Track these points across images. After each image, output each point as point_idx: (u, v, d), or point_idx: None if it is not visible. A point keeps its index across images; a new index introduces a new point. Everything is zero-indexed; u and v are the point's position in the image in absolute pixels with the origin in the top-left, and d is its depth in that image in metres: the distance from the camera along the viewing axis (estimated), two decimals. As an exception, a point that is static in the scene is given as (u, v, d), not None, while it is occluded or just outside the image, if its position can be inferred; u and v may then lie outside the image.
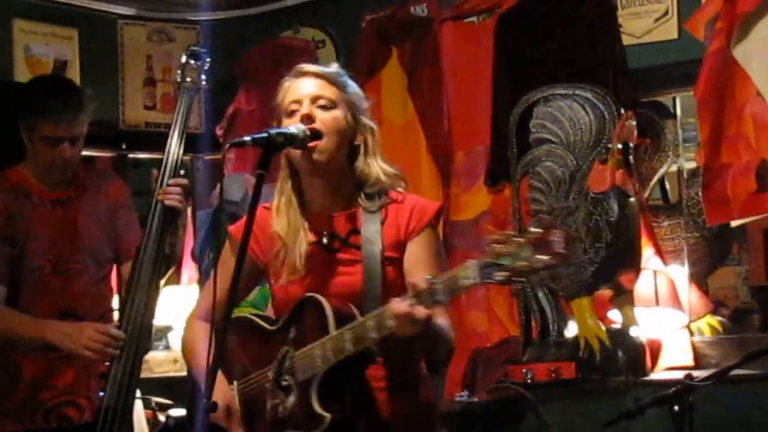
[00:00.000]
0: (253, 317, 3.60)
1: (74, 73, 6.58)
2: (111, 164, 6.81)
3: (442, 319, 3.25)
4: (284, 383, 3.33)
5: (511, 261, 2.77)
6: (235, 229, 3.54)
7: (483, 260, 2.84)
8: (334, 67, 3.49)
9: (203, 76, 4.65)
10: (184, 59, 4.65)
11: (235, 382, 3.51)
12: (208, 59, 4.66)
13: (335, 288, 3.39)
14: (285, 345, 3.36)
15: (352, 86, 3.48)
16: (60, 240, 4.64)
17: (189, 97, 4.61)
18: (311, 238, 3.44)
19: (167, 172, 4.50)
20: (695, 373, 3.66)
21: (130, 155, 6.63)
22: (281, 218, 3.48)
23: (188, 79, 4.63)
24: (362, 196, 3.44)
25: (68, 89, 4.72)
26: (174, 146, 4.53)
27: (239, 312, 3.69)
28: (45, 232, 4.63)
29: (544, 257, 2.72)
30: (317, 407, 3.20)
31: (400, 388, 3.41)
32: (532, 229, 2.75)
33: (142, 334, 4.43)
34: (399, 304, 3.00)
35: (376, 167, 3.43)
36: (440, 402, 3.56)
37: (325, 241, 3.44)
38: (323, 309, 3.26)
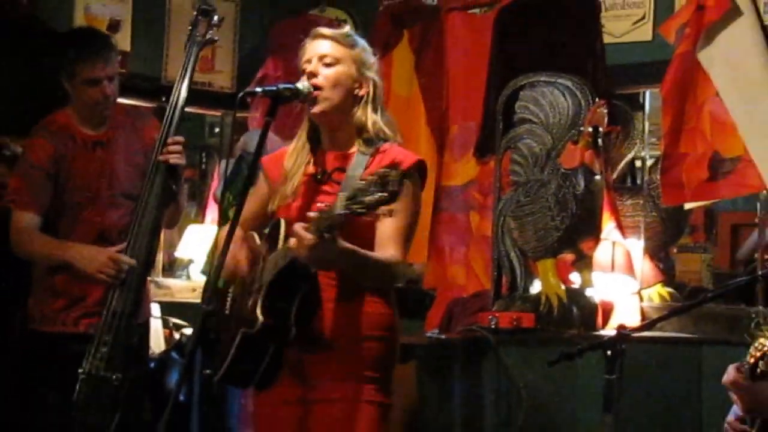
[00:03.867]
0: (253, 233, 3.64)
1: (126, 31, 6.61)
2: (152, 113, 6.84)
3: (392, 252, 3.33)
4: (255, 287, 3.40)
5: (361, 195, 2.90)
6: (267, 160, 3.66)
7: (344, 195, 2.96)
8: (345, 29, 3.61)
9: (211, 31, 4.64)
10: (195, 15, 4.65)
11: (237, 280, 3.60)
12: (216, 16, 4.65)
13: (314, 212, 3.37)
14: (263, 256, 3.47)
15: (360, 44, 3.52)
16: (98, 178, 4.64)
17: (197, 48, 4.60)
18: (310, 170, 3.51)
19: (175, 115, 4.52)
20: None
21: None
22: (291, 155, 3.57)
23: (197, 33, 4.62)
24: (360, 140, 3.48)
25: (97, 36, 4.76)
26: (182, 93, 4.54)
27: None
28: (85, 171, 4.63)
29: (384, 192, 2.87)
30: (258, 310, 3.28)
31: (346, 306, 3.44)
32: (379, 171, 2.91)
33: (144, 257, 4.52)
34: (297, 227, 3.10)
35: (372, 117, 3.47)
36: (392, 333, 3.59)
37: (318, 176, 3.51)
38: (279, 228, 3.39)
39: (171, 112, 4.54)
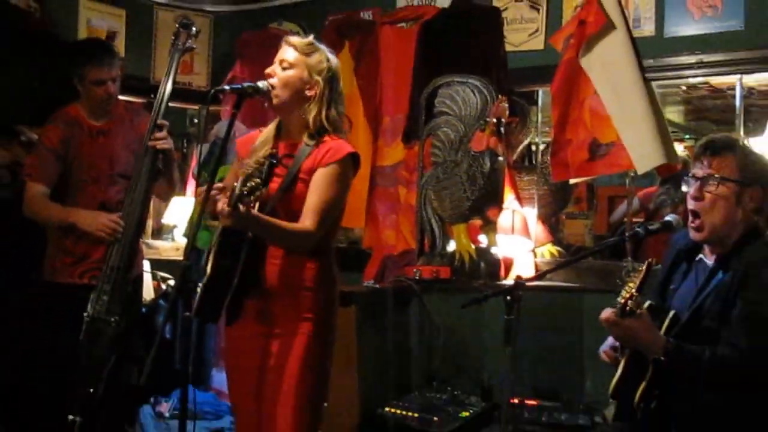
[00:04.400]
0: None
1: (120, 41, 6.54)
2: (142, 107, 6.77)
3: (306, 222, 3.34)
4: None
5: (248, 180, 2.99)
6: (240, 142, 3.68)
7: (241, 179, 3.02)
8: (308, 38, 3.55)
9: (190, 40, 4.64)
10: (177, 27, 4.65)
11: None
12: (194, 28, 4.65)
13: (266, 190, 3.36)
14: None
15: (318, 53, 3.50)
16: (99, 161, 4.65)
17: (178, 55, 4.61)
18: (269, 151, 3.46)
19: (161, 108, 4.53)
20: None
21: None
22: (262, 136, 3.58)
23: (179, 42, 4.63)
24: (306, 134, 3.47)
25: (103, 46, 4.75)
26: (166, 92, 4.53)
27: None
28: (89, 154, 4.64)
29: (258, 180, 2.98)
30: (208, 265, 3.35)
31: (287, 264, 3.44)
32: (259, 160, 3.05)
33: (136, 223, 4.53)
34: (219, 203, 3.12)
35: (314, 115, 3.45)
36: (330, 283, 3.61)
37: (273, 159, 3.45)
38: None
39: (158, 105, 4.53)
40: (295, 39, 3.52)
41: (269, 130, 3.59)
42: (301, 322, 3.45)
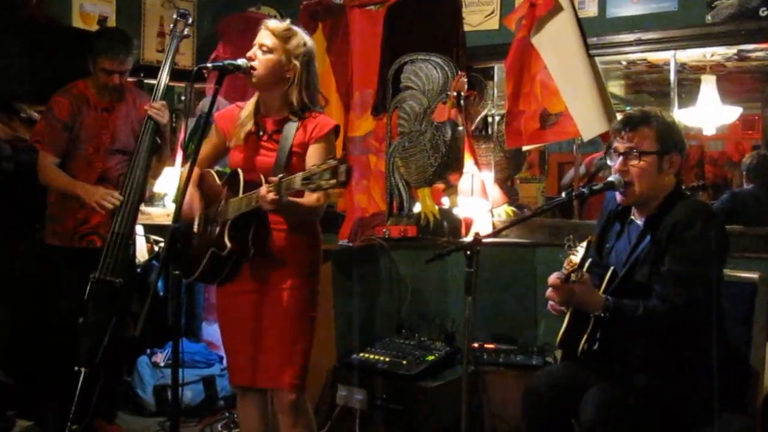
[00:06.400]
0: (213, 171, 3.73)
1: (111, 24, 6.41)
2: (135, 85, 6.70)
3: (311, 200, 3.42)
4: (218, 219, 3.50)
5: (318, 179, 2.96)
6: (218, 116, 3.70)
7: (305, 174, 3.02)
8: (285, 23, 3.54)
9: (186, 29, 4.72)
10: (174, 16, 4.74)
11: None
12: (190, 17, 4.71)
13: (259, 163, 3.51)
14: (221, 197, 3.52)
15: (296, 38, 3.50)
16: (102, 134, 4.67)
17: (177, 41, 4.70)
18: (252, 128, 3.54)
19: (161, 89, 4.63)
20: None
21: (146, 81, 6.37)
22: (244, 111, 3.60)
23: (177, 29, 4.71)
24: (288, 111, 3.51)
25: (122, 39, 4.67)
26: (165, 74, 4.63)
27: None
28: (93, 127, 4.65)
29: (333, 180, 2.92)
30: (225, 239, 3.37)
31: (293, 230, 3.54)
32: (330, 162, 2.95)
33: (138, 193, 4.58)
34: (262, 189, 3.19)
35: (296, 95, 3.49)
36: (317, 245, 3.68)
37: (260, 133, 3.54)
38: (239, 178, 3.45)
39: (157, 87, 4.63)
40: (273, 24, 3.51)
41: (250, 107, 3.59)
42: (293, 277, 3.53)
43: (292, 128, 3.48)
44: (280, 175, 3.18)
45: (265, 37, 3.48)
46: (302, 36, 3.54)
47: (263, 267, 3.53)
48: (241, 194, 3.39)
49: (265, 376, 3.57)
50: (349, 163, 3.60)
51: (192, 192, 3.59)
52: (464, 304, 3.14)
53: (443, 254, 3.34)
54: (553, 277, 3.35)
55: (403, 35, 5.79)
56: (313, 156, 3.45)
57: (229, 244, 3.36)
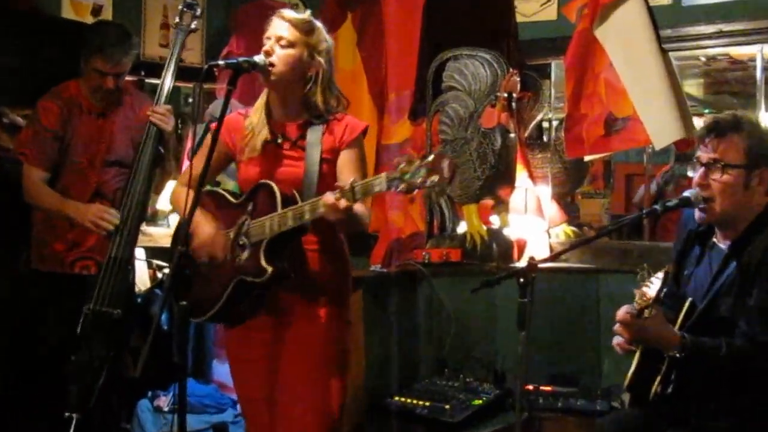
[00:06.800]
0: (224, 191, 3.69)
1: (107, 15, 6.46)
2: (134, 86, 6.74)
3: (361, 209, 3.39)
4: (240, 242, 3.45)
5: (410, 177, 2.93)
6: (215, 126, 3.53)
7: (391, 174, 2.98)
8: (305, 15, 3.55)
9: (195, 21, 4.71)
10: (180, 6, 4.70)
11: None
12: (199, 8, 4.71)
13: (282, 175, 3.49)
14: (244, 215, 3.48)
15: (316, 31, 3.51)
16: (97, 143, 4.68)
17: (183, 35, 4.68)
18: (269, 136, 3.54)
19: (165, 90, 4.61)
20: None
21: (147, 80, 6.43)
22: (254, 117, 3.58)
23: (183, 22, 4.70)
24: (311, 113, 3.53)
25: (121, 37, 4.65)
26: (170, 73, 4.61)
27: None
28: (86, 135, 4.66)
29: (434, 178, 2.90)
30: (263, 262, 3.33)
31: (325, 252, 3.54)
32: (428, 157, 2.91)
33: (139, 212, 4.57)
34: (329, 197, 3.15)
35: (320, 95, 3.50)
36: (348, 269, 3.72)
37: (279, 140, 3.54)
38: (274, 192, 3.38)
39: (159, 91, 4.60)
40: (291, 15, 3.53)
41: (260, 112, 3.60)
42: (323, 306, 3.53)
43: (317, 133, 3.51)
44: (351, 179, 3.18)
45: (283, 29, 3.50)
46: (322, 29, 3.59)
47: (285, 297, 3.52)
48: (279, 209, 3.36)
49: (290, 430, 3.54)
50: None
51: (198, 217, 3.51)
52: (517, 340, 3.16)
53: (492, 282, 3.37)
54: (623, 312, 3.33)
55: (446, 27, 5.84)
56: (347, 165, 3.50)
57: (269, 268, 3.33)
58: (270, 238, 3.36)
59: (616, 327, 3.37)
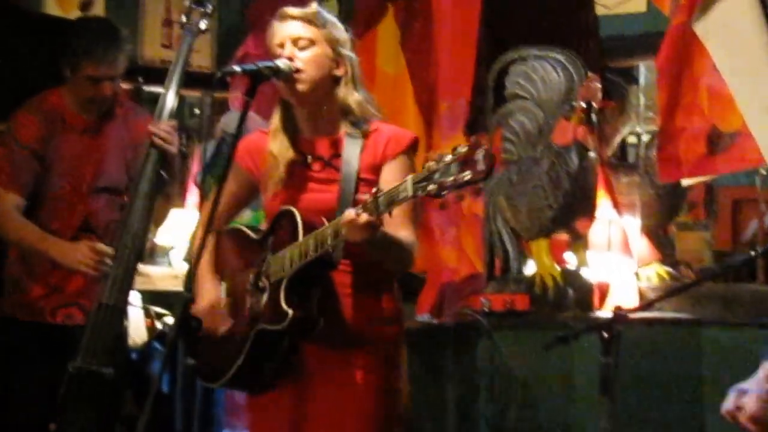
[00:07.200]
0: (243, 227, 3.67)
1: (98, 11, 6.51)
2: (129, 96, 6.80)
3: (404, 233, 3.35)
4: (261, 284, 3.42)
5: (440, 176, 2.86)
6: (240, 148, 3.58)
7: (416, 176, 2.93)
8: (312, 7, 3.51)
9: (204, 20, 4.70)
10: (186, 2, 4.69)
11: (223, 283, 3.59)
12: (210, 5, 4.69)
13: (313, 203, 3.44)
14: (265, 251, 3.45)
15: (330, 22, 3.49)
16: (83, 165, 4.64)
17: (191, 38, 4.67)
18: (297, 157, 3.50)
19: (169, 103, 4.57)
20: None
21: (146, 88, 6.52)
22: (275, 140, 3.54)
23: (191, 22, 4.68)
24: (346, 122, 3.49)
25: (109, 33, 4.63)
26: (175, 80, 4.59)
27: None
28: (71, 156, 4.63)
29: (467, 173, 2.81)
30: (283, 304, 3.27)
31: (363, 294, 3.45)
32: (459, 149, 2.84)
33: (136, 250, 4.49)
34: (348, 212, 3.09)
35: (355, 95, 3.48)
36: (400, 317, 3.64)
37: (309, 161, 3.50)
38: (295, 218, 3.33)
39: (161, 104, 4.57)
40: (297, 10, 3.50)
41: (280, 136, 3.58)
42: (356, 367, 3.46)
43: (355, 147, 3.47)
44: (374, 189, 3.11)
45: (296, 28, 3.47)
46: (333, 18, 3.57)
47: (318, 354, 3.46)
48: (301, 237, 3.32)
49: None
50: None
51: (204, 275, 3.56)
52: (598, 410, 3.13)
53: (568, 337, 3.34)
54: (755, 393, 3.04)
55: (511, 21, 5.86)
56: (390, 178, 3.38)
57: (289, 311, 3.28)
58: (291, 274, 3.32)
59: (732, 401, 3.24)
